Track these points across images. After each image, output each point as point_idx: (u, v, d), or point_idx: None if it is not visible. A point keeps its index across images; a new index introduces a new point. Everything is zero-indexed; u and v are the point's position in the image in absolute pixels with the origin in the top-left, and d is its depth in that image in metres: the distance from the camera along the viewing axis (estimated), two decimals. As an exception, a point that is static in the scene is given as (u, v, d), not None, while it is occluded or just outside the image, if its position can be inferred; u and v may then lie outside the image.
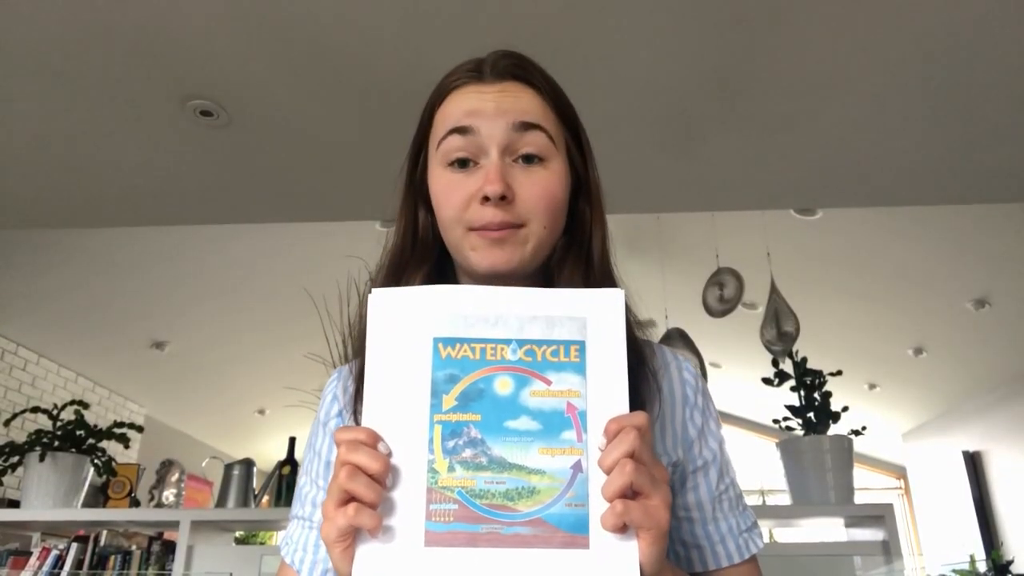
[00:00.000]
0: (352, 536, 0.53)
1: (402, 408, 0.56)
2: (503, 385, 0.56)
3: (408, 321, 0.58)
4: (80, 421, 2.72)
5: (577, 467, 0.55)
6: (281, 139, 2.79)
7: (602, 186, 0.76)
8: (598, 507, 0.54)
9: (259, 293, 4.93)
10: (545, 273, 0.73)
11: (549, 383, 0.56)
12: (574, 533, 0.53)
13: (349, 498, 0.53)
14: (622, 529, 0.53)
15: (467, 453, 0.55)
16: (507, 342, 0.57)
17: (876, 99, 2.56)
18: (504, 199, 0.66)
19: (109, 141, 2.77)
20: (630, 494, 0.53)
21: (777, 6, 2.16)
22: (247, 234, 4.20)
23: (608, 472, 0.53)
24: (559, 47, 2.33)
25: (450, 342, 0.57)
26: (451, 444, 0.55)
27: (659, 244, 4.70)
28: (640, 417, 0.55)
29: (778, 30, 2.26)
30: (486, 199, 0.66)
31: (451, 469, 0.54)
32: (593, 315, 0.58)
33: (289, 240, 4.36)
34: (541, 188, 0.68)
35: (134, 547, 2.57)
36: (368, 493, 0.53)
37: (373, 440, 0.55)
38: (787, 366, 2.74)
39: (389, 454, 0.55)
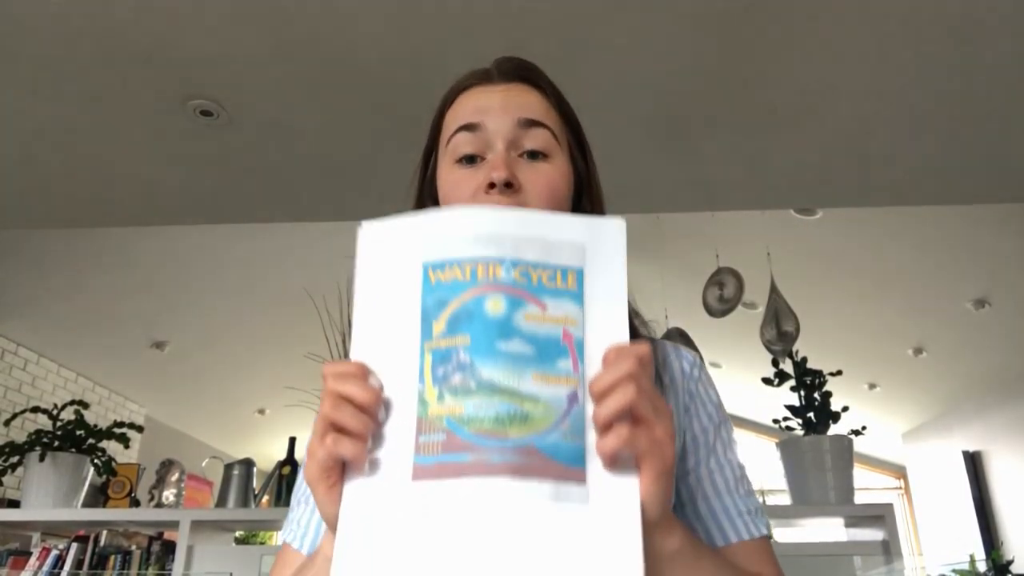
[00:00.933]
0: (337, 473, 0.51)
1: (392, 339, 0.53)
2: (495, 305, 0.52)
3: (398, 250, 0.55)
4: (80, 421, 2.72)
5: (573, 398, 0.51)
6: (281, 139, 2.79)
7: (602, 187, 0.78)
8: (595, 441, 0.50)
9: (259, 293, 4.93)
10: None
11: (544, 307, 0.52)
12: (569, 465, 0.49)
13: (334, 431, 0.51)
14: (619, 459, 0.49)
15: (456, 379, 0.50)
16: (500, 260, 0.53)
17: (877, 99, 2.56)
18: (509, 186, 0.67)
19: (109, 141, 2.77)
20: (627, 420, 0.49)
21: (777, 6, 2.16)
22: (247, 234, 4.20)
23: (602, 396, 0.49)
24: (559, 47, 2.33)
25: (440, 265, 0.53)
26: (440, 371, 0.51)
27: (659, 244, 4.70)
28: (642, 347, 0.51)
29: (778, 30, 2.26)
30: (491, 186, 0.67)
31: (440, 398, 0.50)
32: (593, 243, 0.54)
33: (289, 240, 4.36)
34: (546, 180, 0.70)
35: (134, 547, 2.57)
36: (354, 423, 0.50)
37: (363, 373, 0.52)
38: (787, 366, 2.74)
39: (380, 387, 0.52)
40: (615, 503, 0.49)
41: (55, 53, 2.32)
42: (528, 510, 0.48)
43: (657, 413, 0.50)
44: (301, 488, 0.77)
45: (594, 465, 0.50)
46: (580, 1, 2.16)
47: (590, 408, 0.50)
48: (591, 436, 0.50)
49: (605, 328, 0.53)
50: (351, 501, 0.50)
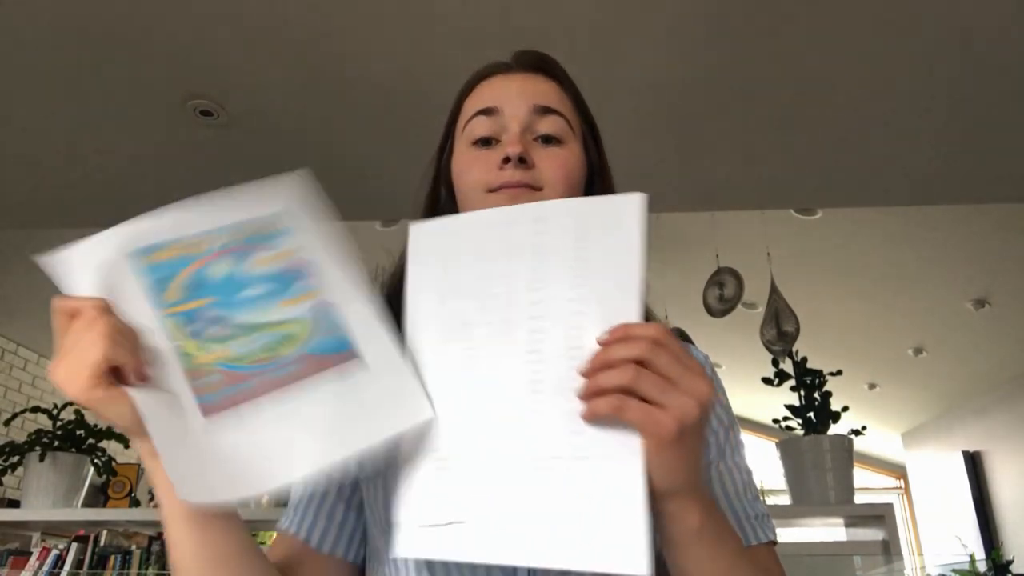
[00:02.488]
0: (112, 380, 0.50)
1: (129, 319, 0.54)
2: (224, 266, 0.57)
3: (104, 255, 0.57)
4: (80, 421, 2.72)
5: (320, 304, 0.57)
6: (281, 139, 2.79)
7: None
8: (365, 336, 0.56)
9: (259, 293, 4.93)
10: None
11: (270, 249, 0.58)
12: (338, 352, 0.55)
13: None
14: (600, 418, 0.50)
15: (213, 331, 0.54)
16: (217, 231, 0.58)
17: (877, 99, 2.55)
18: (523, 162, 0.69)
19: (109, 141, 2.77)
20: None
21: (778, 6, 2.16)
22: (247, 234, 4.20)
23: (593, 373, 0.50)
24: (559, 47, 2.32)
25: (147, 251, 0.56)
26: (190, 329, 0.54)
27: (659, 244, 4.70)
28: (652, 328, 0.51)
29: (779, 30, 2.26)
30: (506, 161, 0.68)
31: (202, 348, 0.54)
32: (283, 206, 0.62)
33: (289, 240, 4.35)
34: (560, 161, 0.71)
35: (134, 547, 2.57)
36: (127, 338, 0.51)
37: (101, 308, 0.52)
38: (787, 366, 2.74)
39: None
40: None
41: (55, 53, 2.32)
42: (325, 396, 0.54)
43: (664, 395, 0.48)
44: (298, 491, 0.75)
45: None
46: (580, 2, 2.16)
47: (349, 311, 0.57)
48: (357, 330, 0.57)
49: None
50: (162, 441, 0.49)
